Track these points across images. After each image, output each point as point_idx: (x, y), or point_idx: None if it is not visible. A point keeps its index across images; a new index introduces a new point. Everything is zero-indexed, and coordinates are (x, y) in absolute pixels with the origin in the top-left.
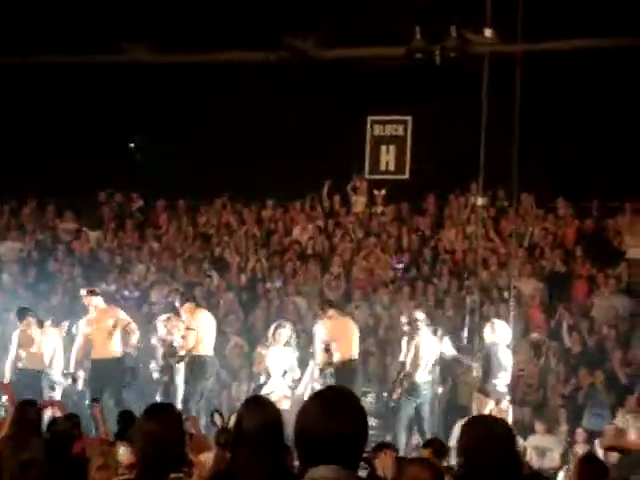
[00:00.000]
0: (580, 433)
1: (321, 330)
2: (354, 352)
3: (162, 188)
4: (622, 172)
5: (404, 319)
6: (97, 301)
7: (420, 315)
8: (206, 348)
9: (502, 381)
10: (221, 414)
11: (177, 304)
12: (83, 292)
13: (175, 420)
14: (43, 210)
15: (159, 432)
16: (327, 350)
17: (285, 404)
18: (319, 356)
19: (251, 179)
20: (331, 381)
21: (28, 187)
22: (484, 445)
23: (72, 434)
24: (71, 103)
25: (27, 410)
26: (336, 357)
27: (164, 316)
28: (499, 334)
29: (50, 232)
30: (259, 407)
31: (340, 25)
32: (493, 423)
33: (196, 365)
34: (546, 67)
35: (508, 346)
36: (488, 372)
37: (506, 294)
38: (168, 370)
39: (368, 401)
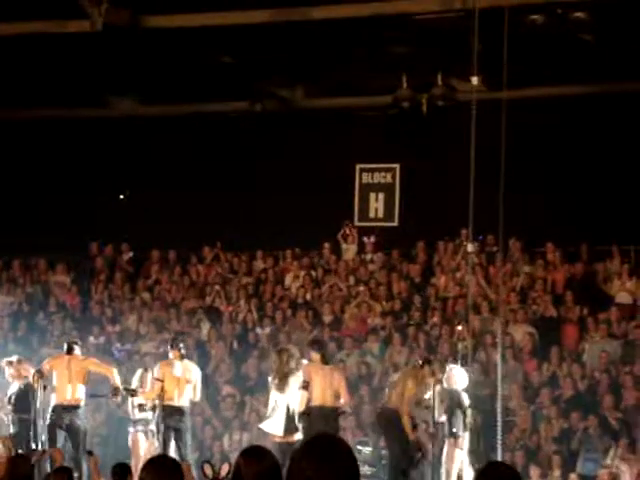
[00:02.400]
0: (574, 478)
1: (303, 370)
2: (335, 400)
3: (153, 239)
4: (611, 216)
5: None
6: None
7: None
8: (178, 398)
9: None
10: (211, 464)
11: (169, 353)
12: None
13: (175, 472)
14: (35, 263)
15: None
16: (305, 387)
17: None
18: (298, 396)
19: (241, 229)
20: (308, 424)
21: (19, 240)
22: None
23: None
24: (61, 156)
25: (19, 464)
26: (315, 397)
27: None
28: (458, 379)
29: (41, 285)
30: (257, 456)
31: (327, 74)
32: (505, 469)
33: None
34: (533, 113)
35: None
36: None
37: (497, 339)
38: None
39: (365, 450)
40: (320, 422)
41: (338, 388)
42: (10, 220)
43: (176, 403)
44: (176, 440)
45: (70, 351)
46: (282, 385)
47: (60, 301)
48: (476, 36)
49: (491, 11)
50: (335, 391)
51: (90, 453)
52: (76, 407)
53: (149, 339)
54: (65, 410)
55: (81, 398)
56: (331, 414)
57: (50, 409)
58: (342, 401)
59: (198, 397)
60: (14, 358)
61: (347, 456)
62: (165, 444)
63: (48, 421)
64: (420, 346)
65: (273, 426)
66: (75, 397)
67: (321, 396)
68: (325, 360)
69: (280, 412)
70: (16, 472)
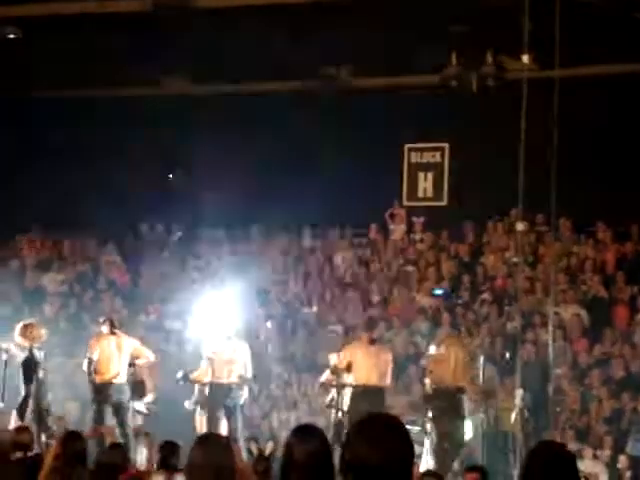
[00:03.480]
0: (623, 460)
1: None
2: (380, 380)
3: (201, 219)
4: None
5: None
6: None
7: None
8: (228, 376)
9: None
10: (257, 442)
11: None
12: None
13: (229, 449)
14: (85, 242)
15: (218, 461)
16: (347, 369)
17: None
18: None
19: (288, 207)
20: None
21: (71, 219)
22: (551, 470)
23: (118, 465)
24: (113, 136)
25: (72, 441)
26: (359, 377)
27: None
28: None
29: (91, 263)
30: (309, 435)
31: (374, 53)
32: (559, 448)
33: None
34: (584, 92)
35: None
36: None
37: (547, 320)
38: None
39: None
40: (364, 401)
41: (383, 369)
42: (61, 199)
43: (225, 381)
44: (228, 418)
45: (113, 329)
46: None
47: (110, 279)
48: (527, 13)
49: None
50: (380, 371)
51: (146, 434)
52: (121, 385)
53: (195, 318)
54: (110, 388)
55: (125, 376)
56: (376, 393)
57: (94, 387)
58: (387, 382)
59: (249, 374)
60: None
61: (402, 435)
62: (215, 423)
63: (93, 399)
64: (469, 326)
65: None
66: (120, 375)
67: (365, 375)
68: (372, 340)
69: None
70: (70, 449)
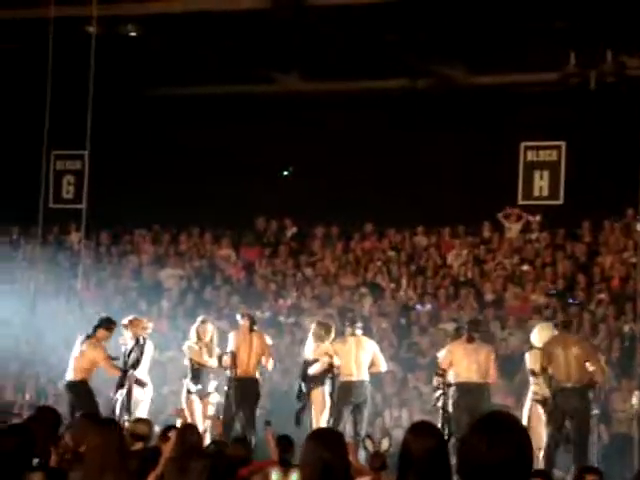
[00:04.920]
0: None
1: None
2: (482, 377)
3: (315, 215)
4: None
5: None
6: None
7: None
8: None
9: None
10: (372, 439)
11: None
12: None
13: (342, 445)
14: (201, 237)
15: (329, 457)
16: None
17: None
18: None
19: (400, 204)
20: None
21: (187, 214)
22: None
23: (242, 457)
24: (228, 133)
25: (189, 433)
26: (458, 373)
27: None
28: None
29: (207, 259)
30: (426, 432)
31: (492, 50)
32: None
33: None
34: None
35: None
36: None
37: None
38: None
39: None
40: (466, 399)
41: (485, 365)
42: (178, 195)
43: (355, 378)
44: (353, 415)
45: (252, 326)
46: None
47: (226, 275)
48: None
49: None
50: (481, 368)
51: (268, 423)
52: (253, 379)
53: (310, 314)
54: (241, 382)
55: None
56: (477, 390)
57: (228, 380)
58: (490, 380)
59: (384, 368)
60: (126, 320)
61: (520, 433)
62: (339, 419)
63: (227, 393)
64: (584, 326)
65: None
66: (252, 370)
67: (465, 372)
68: (471, 338)
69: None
70: (187, 441)
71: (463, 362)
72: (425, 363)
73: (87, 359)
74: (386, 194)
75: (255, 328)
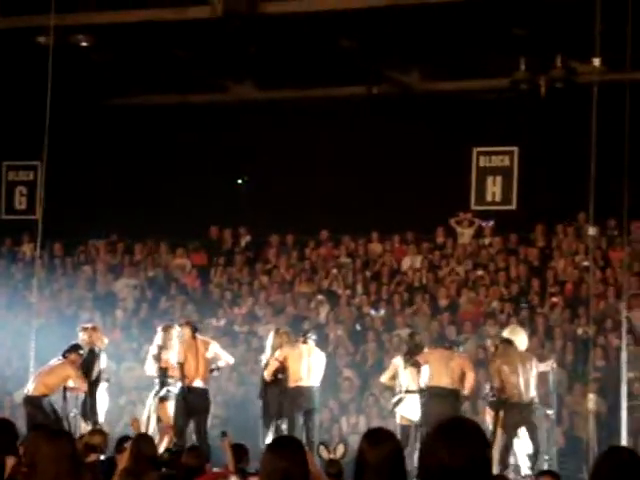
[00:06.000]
0: None
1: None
2: (307, 379)
3: (270, 223)
4: None
5: None
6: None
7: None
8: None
9: None
10: (327, 446)
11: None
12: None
13: (301, 454)
14: (156, 247)
15: (288, 467)
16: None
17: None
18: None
19: (355, 211)
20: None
21: (142, 224)
22: (620, 475)
23: (196, 466)
24: (181, 142)
25: (143, 444)
26: (430, 378)
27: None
28: None
29: (163, 268)
30: (381, 439)
31: (444, 57)
32: (629, 454)
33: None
34: None
35: None
36: None
37: (621, 324)
38: None
39: None
40: (436, 403)
41: (458, 371)
42: (132, 205)
43: (304, 383)
44: (305, 422)
45: (194, 333)
46: (415, 368)
47: (181, 284)
48: (598, 16)
49: None
50: (454, 374)
51: (224, 434)
52: (202, 389)
53: (266, 322)
54: (191, 391)
55: (203, 379)
56: (448, 396)
57: (179, 390)
58: (466, 388)
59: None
60: (89, 325)
61: (480, 439)
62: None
63: (176, 403)
64: (539, 330)
65: (407, 410)
66: (201, 378)
67: (436, 377)
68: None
69: (413, 396)
70: (142, 452)
71: (435, 366)
72: (381, 369)
73: (58, 375)
74: (340, 201)
75: (198, 335)
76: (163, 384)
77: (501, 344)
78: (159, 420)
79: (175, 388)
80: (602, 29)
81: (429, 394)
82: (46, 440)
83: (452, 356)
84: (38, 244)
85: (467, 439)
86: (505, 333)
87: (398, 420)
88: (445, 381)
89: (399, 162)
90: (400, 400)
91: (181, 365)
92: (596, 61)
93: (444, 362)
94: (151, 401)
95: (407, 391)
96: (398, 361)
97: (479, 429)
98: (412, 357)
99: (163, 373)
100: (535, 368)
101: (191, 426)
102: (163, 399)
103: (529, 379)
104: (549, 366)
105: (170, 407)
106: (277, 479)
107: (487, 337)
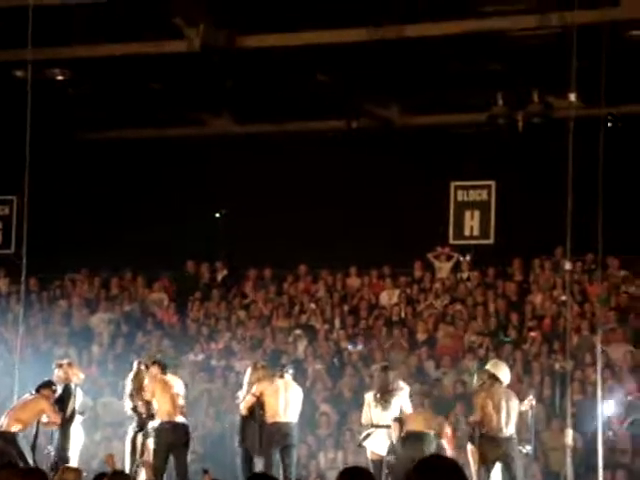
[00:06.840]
0: None
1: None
2: (284, 415)
3: (248, 257)
4: None
5: None
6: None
7: None
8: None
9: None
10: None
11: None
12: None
13: None
14: (133, 281)
15: None
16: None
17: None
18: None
19: (333, 245)
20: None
21: (118, 259)
22: None
23: None
24: (158, 175)
25: (66, 474)
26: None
27: None
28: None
29: (139, 303)
30: (357, 477)
31: (422, 92)
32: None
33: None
34: (630, 130)
35: None
36: None
37: (597, 358)
38: None
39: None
40: (416, 446)
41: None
42: (109, 239)
43: (282, 419)
44: (282, 458)
45: (164, 370)
46: (385, 403)
47: (158, 319)
48: (574, 52)
49: (589, 27)
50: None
51: (205, 471)
52: (180, 425)
53: (241, 357)
54: (169, 428)
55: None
56: (426, 438)
57: (155, 427)
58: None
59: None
60: (65, 361)
61: (458, 476)
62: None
63: (155, 439)
64: (517, 365)
65: (376, 444)
66: (179, 413)
67: (415, 423)
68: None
69: (382, 431)
70: None
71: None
72: (359, 405)
73: (32, 410)
74: (318, 235)
75: (167, 372)
76: (140, 420)
77: (488, 379)
78: (142, 454)
79: (156, 424)
80: (578, 65)
81: (406, 435)
82: (18, 478)
83: (435, 418)
84: (23, 279)
85: (448, 475)
86: (488, 366)
87: (369, 455)
88: (422, 426)
89: (377, 196)
90: (368, 435)
91: (148, 403)
92: (572, 96)
93: (427, 424)
94: (131, 435)
95: (376, 425)
96: (369, 396)
97: (457, 466)
98: (383, 394)
99: (141, 409)
100: (517, 407)
101: (172, 462)
102: (146, 435)
103: (511, 415)
104: (529, 405)
105: (151, 443)
106: None
107: (466, 372)
